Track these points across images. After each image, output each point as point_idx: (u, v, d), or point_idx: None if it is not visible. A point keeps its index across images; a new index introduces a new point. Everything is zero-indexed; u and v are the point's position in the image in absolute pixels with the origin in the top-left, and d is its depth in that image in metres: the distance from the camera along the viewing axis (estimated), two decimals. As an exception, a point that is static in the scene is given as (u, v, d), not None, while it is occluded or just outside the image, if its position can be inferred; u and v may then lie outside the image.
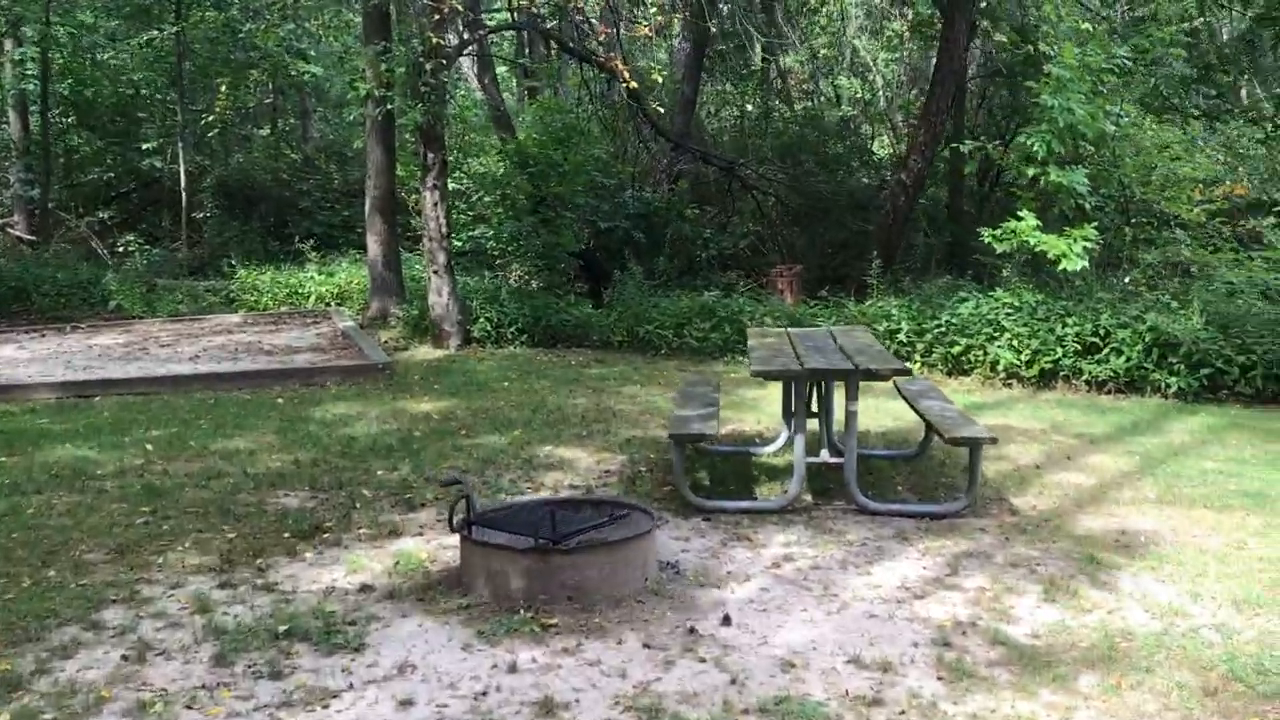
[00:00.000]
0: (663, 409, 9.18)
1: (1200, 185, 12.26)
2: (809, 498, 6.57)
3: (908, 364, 6.31)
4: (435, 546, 5.69)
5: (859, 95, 21.30)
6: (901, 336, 11.11)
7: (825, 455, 6.47)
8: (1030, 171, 10.72)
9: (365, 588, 5.11)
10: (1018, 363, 10.45)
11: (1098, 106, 10.63)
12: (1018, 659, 4.31)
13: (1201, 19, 14.02)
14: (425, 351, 12.23)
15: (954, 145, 11.38)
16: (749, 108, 17.89)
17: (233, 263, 16.86)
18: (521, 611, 4.70)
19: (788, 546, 5.73)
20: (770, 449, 7.65)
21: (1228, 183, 12.47)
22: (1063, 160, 10.74)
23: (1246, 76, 16.54)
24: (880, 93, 23.55)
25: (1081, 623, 4.70)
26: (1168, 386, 9.99)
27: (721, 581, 5.20)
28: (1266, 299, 10.71)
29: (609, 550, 4.90)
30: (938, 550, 5.64)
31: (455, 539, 5.30)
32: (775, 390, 8.88)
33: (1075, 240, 10.32)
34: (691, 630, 4.59)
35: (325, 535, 5.88)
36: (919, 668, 4.24)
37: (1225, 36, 16.43)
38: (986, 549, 5.66)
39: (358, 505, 6.42)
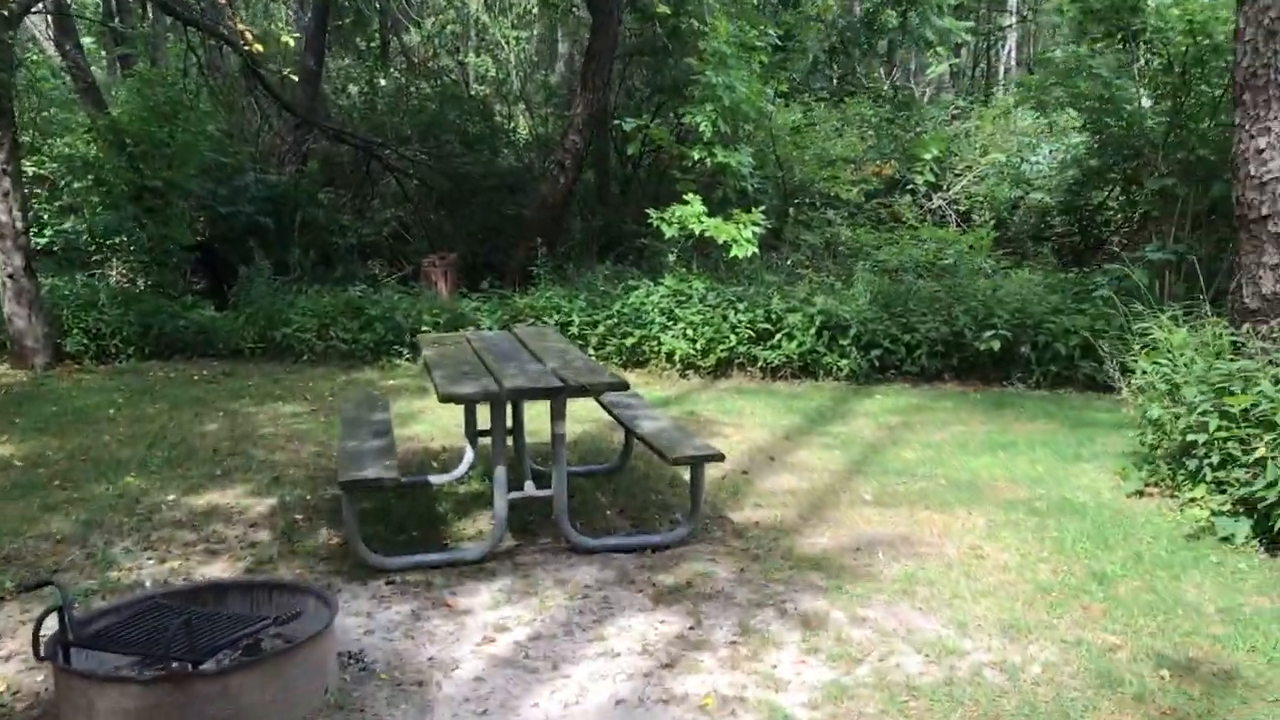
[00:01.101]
0: (315, 432, 7.78)
1: (852, 165, 12.41)
2: (509, 538, 5.54)
3: (621, 377, 5.36)
4: (19, 671, 4.12)
5: (491, 74, 20.42)
6: (574, 330, 10.31)
7: (530, 488, 5.45)
8: (695, 153, 10.21)
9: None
10: (693, 352, 9.95)
11: (757, 85, 10.30)
12: (811, 748, 3.53)
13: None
14: (1, 374, 9.95)
15: (616, 122, 10.69)
16: (381, 82, 16.40)
17: None
18: (152, 773, 3.34)
19: (498, 609, 4.68)
20: (453, 476, 6.54)
21: (876, 162, 12.72)
22: (726, 140, 10.32)
23: (867, 58, 17.22)
24: (514, 72, 22.80)
25: (858, 680, 4.01)
26: (839, 369, 9.86)
27: (424, 675, 4.06)
28: (919, 275, 10.88)
29: (275, 664, 3.62)
30: (672, 594, 4.81)
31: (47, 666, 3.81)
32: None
33: (744, 225, 9.94)
34: (399, 766, 3.44)
35: None
36: (702, 782, 3.35)
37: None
38: (725, 586, 4.90)
39: (-104, 614, 4.65)
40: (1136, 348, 7.05)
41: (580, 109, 10.95)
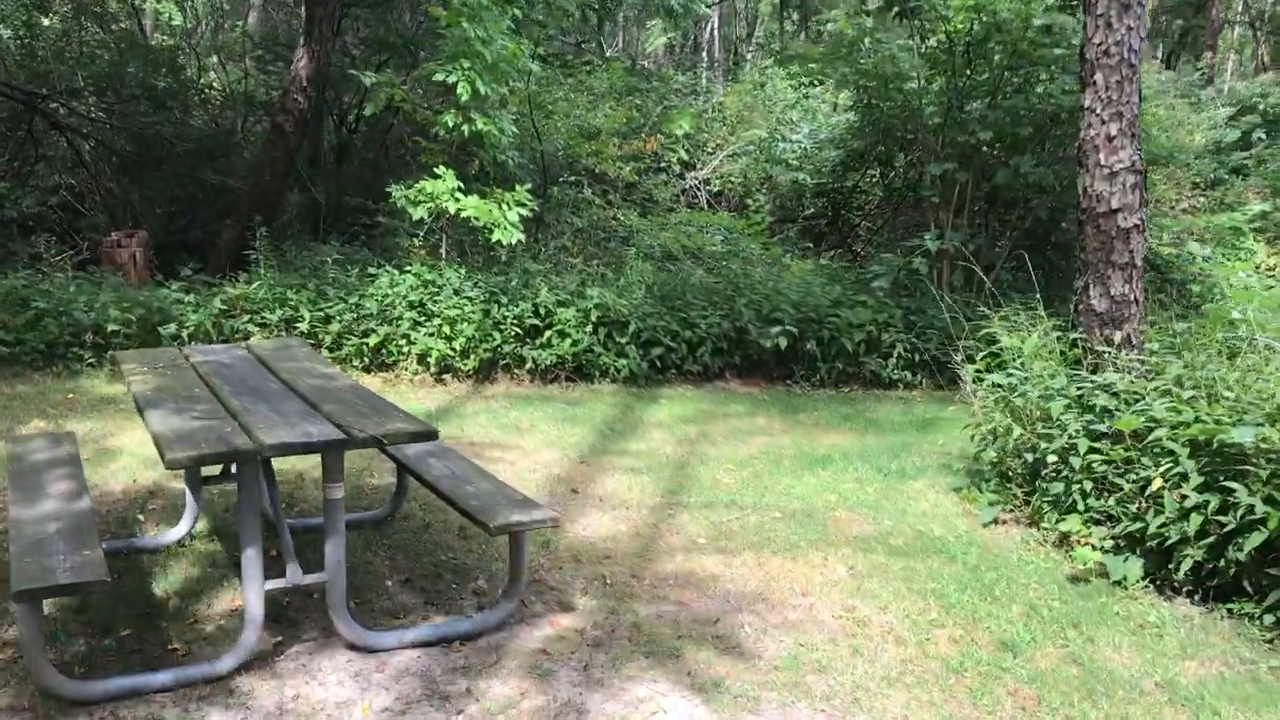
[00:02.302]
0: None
1: (616, 139, 11.36)
2: (263, 633, 4.09)
3: (430, 423, 4.04)
4: None
5: (175, 21, 17.95)
6: (304, 327, 8.68)
7: (294, 573, 4.01)
8: (449, 118, 8.81)
9: None
10: (451, 353, 8.60)
11: (514, 42, 9.02)
12: None
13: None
14: None
15: (354, 74, 9.05)
16: (45, 22, 13.72)
17: None
18: None
19: (261, 762, 3.28)
20: (173, 537, 4.95)
21: (643, 136, 11.74)
22: (482, 105, 8.99)
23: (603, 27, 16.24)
24: (203, 21, 20.27)
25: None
26: (617, 370, 8.83)
27: None
28: (698, 261, 10.02)
29: None
30: (504, 715, 3.57)
31: None
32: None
33: (509, 206, 8.65)
34: None
35: None
36: None
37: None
38: (572, 698, 3.71)
39: None
40: (964, 354, 6.43)
41: (304, 62, 9.25)
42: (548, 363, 8.73)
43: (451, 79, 8.68)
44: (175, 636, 4.07)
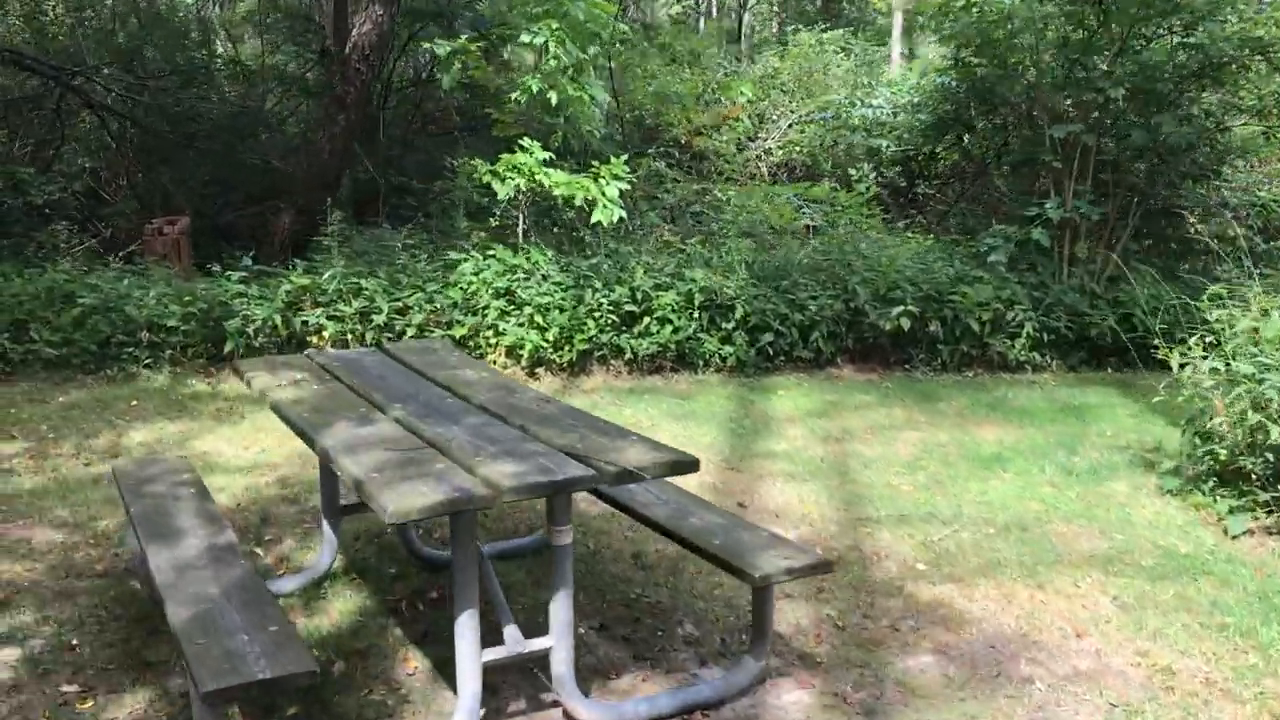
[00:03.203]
0: (45, 496, 5.07)
1: (701, 106, 10.52)
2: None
3: (689, 452, 3.26)
4: None
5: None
6: (380, 319, 7.88)
7: (514, 638, 3.22)
8: (533, 84, 7.98)
9: None
10: (545, 345, 7.81)
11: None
12: None
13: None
14: None
15: (435, 42, 8.14)
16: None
17: None
18: None
19: None
20: (310, 577, 4.19)
21: (731, 102, 10.85)
22: (570, 70, 8.16)
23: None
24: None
25: None
26: (723, 359, 8.06)
27: None
28: (801, 241, 9.22)
29: None
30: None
31: None
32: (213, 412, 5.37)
33: (607, 181, 7.82)
34: None
35: None
36: None
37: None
38: (878, 788, 2.96)
39: None
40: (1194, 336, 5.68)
41: (368, 27, 8.38)
42: (648, 352, 7.95)
43: (539, 40, 7.84)
44: (353, 714, 3.31)
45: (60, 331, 7.66)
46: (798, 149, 12.36)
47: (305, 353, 4.46)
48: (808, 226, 9.44)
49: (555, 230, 8.85)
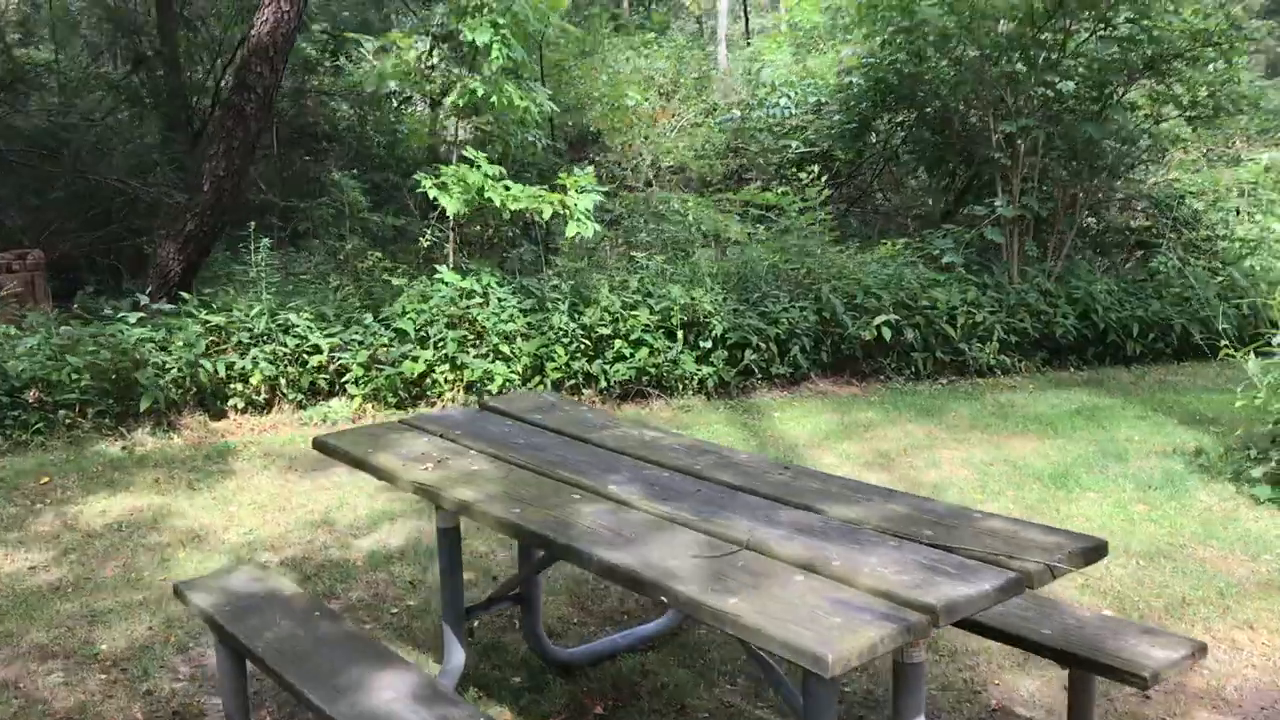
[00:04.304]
0: (92, 626, 3.93)
1: (655, 106, 9.77)
2: None
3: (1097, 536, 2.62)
4: None
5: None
6: (318, 359, 6.84)
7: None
8: (477, 87, 7.11)
9: None
10: (514, 377, 6.97)
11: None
12: None
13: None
14: None
15: (343, 36, 7.07)
16: None
17: None
18: None
19: None
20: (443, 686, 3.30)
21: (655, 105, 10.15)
22: (510, 71, 7.34)
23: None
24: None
25: None
26: (701, 381, 7.43)
27: None
28: (738, 246, 8.67)
29: None
30: None
31: None
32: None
33: (580, 194, 7.03)
34: None
35: None
36: None
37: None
38: None
39: None
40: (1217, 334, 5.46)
41: (269, 25, 7.24)
42: (623, 378, 7.23)
43: (482, 39, 6.98)
44: None
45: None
46: (692, 153, 11.82)
47: (400, 420, 3.56)
48: (749, 235, 8.91)
49: (488, 249, 8.00)
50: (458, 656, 3.38)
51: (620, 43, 12.18)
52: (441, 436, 3.33)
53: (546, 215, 6.97)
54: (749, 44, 19.28)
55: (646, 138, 11.58)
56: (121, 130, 11.59)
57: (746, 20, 22.56)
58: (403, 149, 13.26)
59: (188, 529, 4.96)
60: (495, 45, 6.97)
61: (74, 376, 6.42)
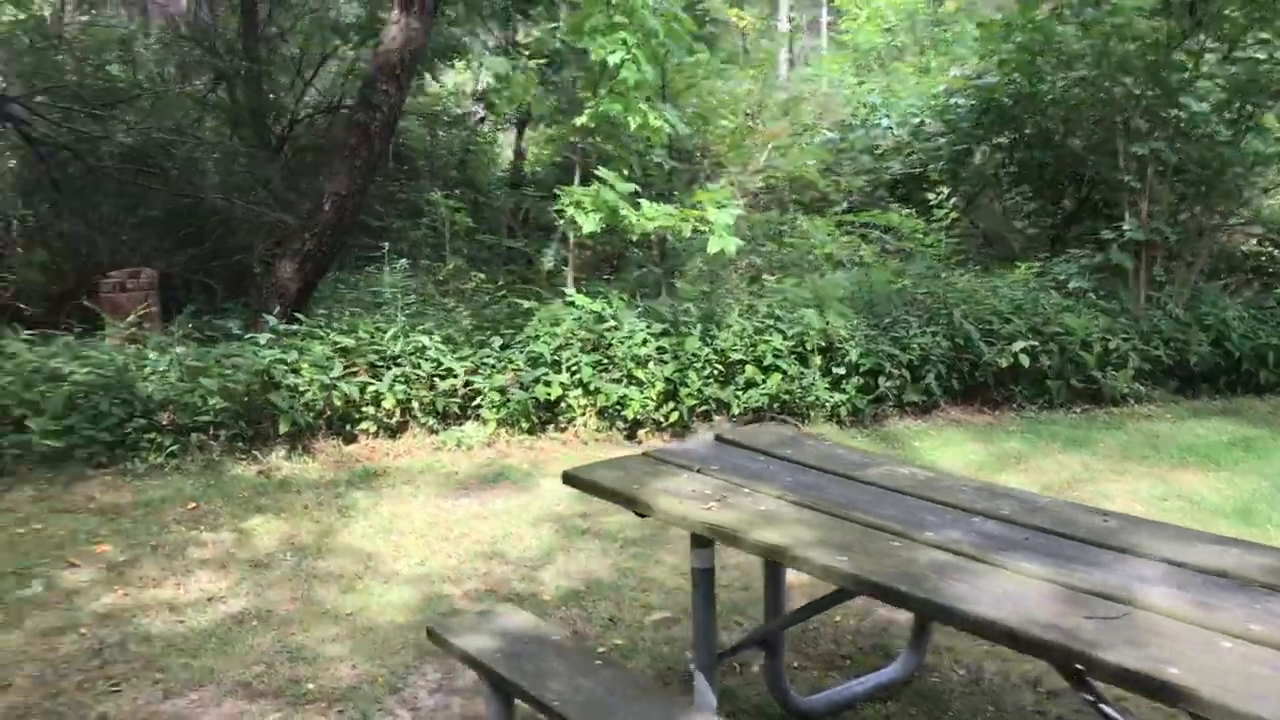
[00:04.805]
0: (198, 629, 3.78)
1: (755, 126, 9.60)
2: None
3: None
4: None
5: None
6: (450, 384, 6.68)
7: None
8: (610, 106, 6.97)
9: None
10: (649, 403, 6.79)
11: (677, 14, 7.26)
12: None
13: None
14: None
15: (480, 61, 6.88)
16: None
17: None
18: None
19: None
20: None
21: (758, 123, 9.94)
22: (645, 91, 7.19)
23: None
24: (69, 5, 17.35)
25: None
26: (834, 408, 7.22)
27: None
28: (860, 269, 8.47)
29: None
30: None
31: None
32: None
33: (723, 208, 6.85)
34: None
35: None
36: None
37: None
38: None
39: None
40: None
41: (398, 39, 7.12)
42: (756, 404, 7.04)
43: (614, 58, 6.83)
44: None
45: (57, 419, 6.13)
46: (777, 175, 11.61)
47: (642, 454, 3.39)
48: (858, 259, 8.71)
49: (610, 271, 7.84)
50: (709, 702, 3.19)
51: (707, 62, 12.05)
52: (699, 472, 3.14)
53: (685, 233, 6.80)
54: (806, 64, 19.12)
55: (761, 157, 11.40)
56: (209, 149, 11.56)
57: (791, 43, 22.43)
58: (480, 169, 13.21)
59: (355, 558, 4.80)
60: (626, 65, 6.81)
61: (207, 399, 6.29)
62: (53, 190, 8.95)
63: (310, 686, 3.63)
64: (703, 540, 3.10)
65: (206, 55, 12.70)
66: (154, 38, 13.01)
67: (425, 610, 4.25)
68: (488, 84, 9.60)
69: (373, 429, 6.63)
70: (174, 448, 6.20)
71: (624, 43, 6.87)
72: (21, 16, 11.27)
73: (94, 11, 16.28)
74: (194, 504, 5.53)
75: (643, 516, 3.07)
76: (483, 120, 13.74)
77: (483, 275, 9.12)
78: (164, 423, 6.28)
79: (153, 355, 6.60)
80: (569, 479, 3.16)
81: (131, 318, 7.27)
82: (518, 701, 2.79)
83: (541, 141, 12.42)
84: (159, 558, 4.78)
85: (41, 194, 10.27)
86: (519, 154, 12.93)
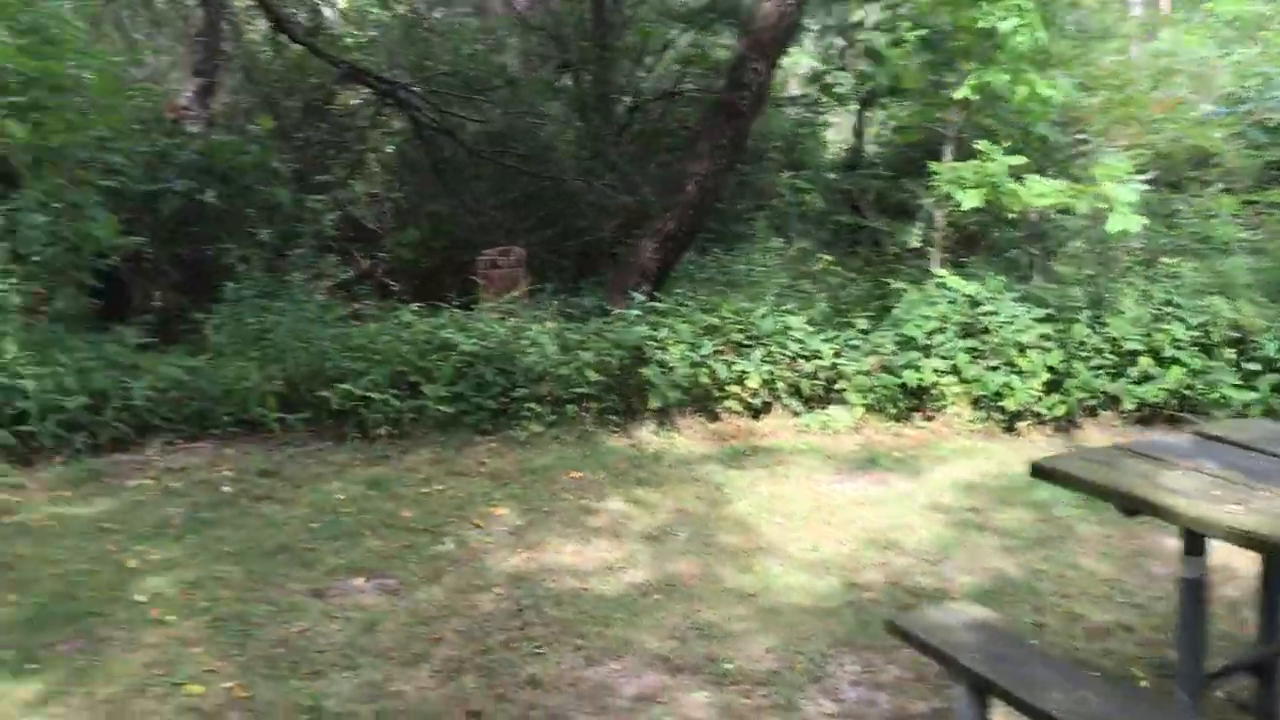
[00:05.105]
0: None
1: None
2: None
3: None
4: None
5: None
6: (814, 366, 6.49)
7: None
8: (992, 76, 6.53)
9: None
10: (1034, 394, 6.33)
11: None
12: None
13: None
14: None
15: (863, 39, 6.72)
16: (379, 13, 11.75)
17: None
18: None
19: None
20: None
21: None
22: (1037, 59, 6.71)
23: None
24: None
25: None
26: (1240, 405, 6.45)
27: None
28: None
29: None
30: None
31: None
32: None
33: (1123, 182, 6.29)
34: None
35: None
36: None
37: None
38: None
39: None
40: None
41: (770, 16, 7.01)
42: (1154, 399, 6.41)
43: (1006, 25, 6.39)
44: None
45: (448, 385, 6.46)
46: (1173, 149, 10.50)
47: (1114, 446, 3.07)
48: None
49: (983, 251, 7.40)
50: (1191, 733, 2.82)
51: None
52: (1196, 470, 2.77)
53: (1082, 210, 6.29)
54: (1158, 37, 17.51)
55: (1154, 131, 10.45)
56: (561, 133, 11.97)
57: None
58: (809, 153, 12.94)
59: (744, 536, 4.72)
60: (1021, 30, 6.35)
61: (583, 371, 6.43)
62: (432, 172, 9.46)
63: (729, 667, 3.54)
64: (1197, 546, 2.74)
65: (553, 45, 13.16)
66: (503, 29, 13.65)
67: (831, 599, 4.09)
68: (857, 69, 9.26)
69: (736, 408, 6.56)
70: (552, 418, 6.39)
71: (1018, 8, 6.42)
72: (389, 15, 12.05)
73: (444, 8, 17.30)
74: (578, 473, 5.65)
75: (1131, 515, 2.74)
76: (816, 102, 13.49)
77: (829, 257, 8.90)
78: (544, 394, 6.49)
79: (534, 328, 6.84)
80: (1039, 471, 2.88)
81: (515, 292, 7.54)
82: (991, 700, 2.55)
83: (885, 120, 12.01)
84: (555, 524, 4.90)
85: (415, 176, 11.01)
86: (858, 134, 12.59)
